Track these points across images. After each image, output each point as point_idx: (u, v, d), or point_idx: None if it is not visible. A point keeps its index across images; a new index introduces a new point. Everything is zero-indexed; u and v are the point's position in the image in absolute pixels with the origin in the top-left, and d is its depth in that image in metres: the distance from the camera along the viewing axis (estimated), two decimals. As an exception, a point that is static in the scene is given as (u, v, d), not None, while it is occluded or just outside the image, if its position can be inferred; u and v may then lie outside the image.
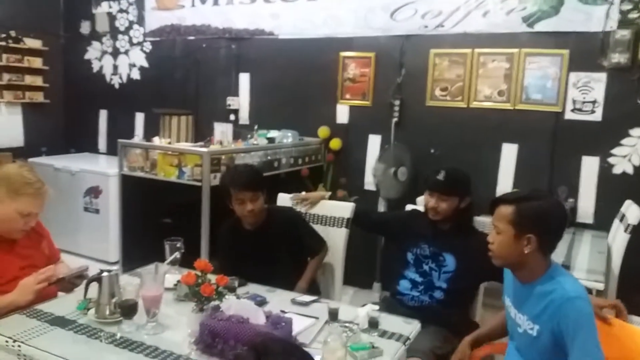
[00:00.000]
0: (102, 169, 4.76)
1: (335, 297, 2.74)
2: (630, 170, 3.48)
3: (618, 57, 3.38)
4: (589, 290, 2.02)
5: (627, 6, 3.38)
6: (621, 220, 3.15)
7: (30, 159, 4.99)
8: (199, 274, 1.80)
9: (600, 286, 2.57)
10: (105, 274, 1.87)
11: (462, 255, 2.38)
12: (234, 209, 2.54)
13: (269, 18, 4.54)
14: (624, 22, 3.38)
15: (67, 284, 2.14)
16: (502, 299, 2.10)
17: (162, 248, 2.37)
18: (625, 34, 3.35)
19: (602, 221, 3.49)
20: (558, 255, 2.64)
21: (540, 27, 3.60)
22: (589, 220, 3.61)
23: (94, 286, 1.92)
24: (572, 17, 3.49)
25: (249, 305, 1.73)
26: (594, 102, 3.52)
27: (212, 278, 1.85)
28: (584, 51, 3.51)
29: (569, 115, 3.60)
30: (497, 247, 1.83)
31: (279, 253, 2.57)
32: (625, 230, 2.89)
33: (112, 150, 5.46)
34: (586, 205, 3.61)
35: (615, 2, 3.39)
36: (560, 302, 1.69)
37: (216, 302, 1.77)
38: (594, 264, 2.86)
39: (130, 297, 1.82)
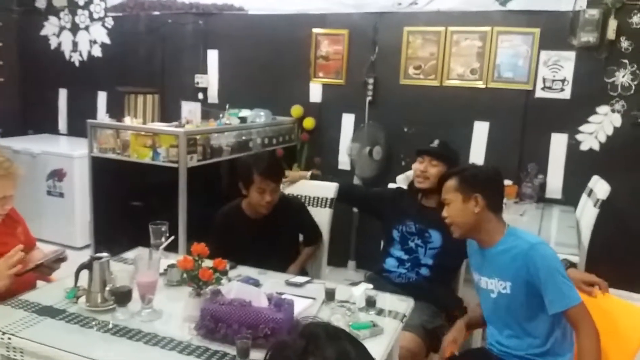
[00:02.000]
0: (65, 151, 4.58)
1: (320, 277, 2.75)
2: (596, 146, 3.61)
3: (587, 36, 3.47)
4: (570, 264, 2.09)
5: (597, -14, 3.47)
6: (589, 195, 3.27)
7: (-16, 141, 4.76)
8: (196, 258, 1.77)
9: (576, 259, 2.66)
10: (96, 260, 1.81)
11: (448, 232, 2.40)
12: (250, 195, 2.48)
13: (237, -7, 4.43)
14: (593, 2, 3.46)
15: (46, 269, 2.06)
16: (471, 278, 2.16)
17: (134, 232, 2.31)
18: (594, 13, 3.44)
19: (570, 196, 3.62)
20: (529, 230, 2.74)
21: (513, 5, 3.65)
22: (557, 195, 3.73)
23: (83, 274, 1.85)
24: (543, -4, 3.56)
25: (250, 288, 1.71)
26: (563, 80, 3.61)
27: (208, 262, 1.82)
28: (554, 30, 3.58)
29: (539, 94, 3.68)
30: (451, 217, 1.99)
31: (279, 241, 2.54)
32: (595, 205, 3.00)
33: (73, 131, 5.26)
34: (555, 181, 3.73)
35: (585, -18, 3.47)
36: (524, 252, 1.83)
37: (214, 287, 1.74)
38: (566, 237, 2.96)
39: (123, 283, 1.77)
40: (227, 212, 2.62)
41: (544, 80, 3.66)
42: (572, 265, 2.12)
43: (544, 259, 1.80)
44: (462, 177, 1.97)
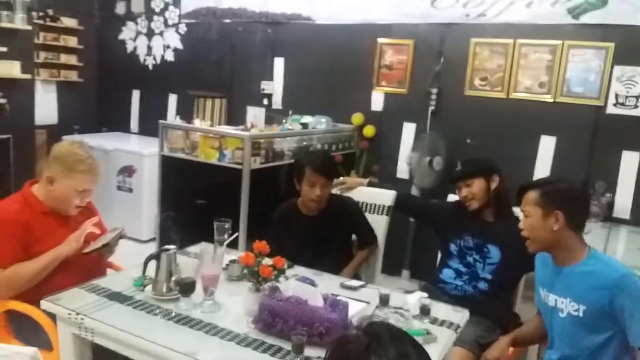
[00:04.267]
0: (136, 149, 4.82)
1: (374, 284, 2.76)
2: (671, 167, 3.44)
3: (666, 52, 3.32)
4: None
5: (678, -1, 3.32)
6: (661, 216, 3.12)
7: (64, 137, 5.07)
8: (257, 254, 1.83)
9: (646, 283, 2.55)
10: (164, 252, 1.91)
11: (507, 247, 2.37)
12: (302, 189, 2.56)
13: (306, 3, 4.52)
14: (673, 16, 3.32)
15: (110, 247, 2.24)
16: (536, 293, 2.10)
17: (197, 228, 2.41)
18: (674, 28, 3.30)
19: (640, 217, 3.47)
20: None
21: (586, 19, 3.54)
22: (626, 215, 3.57)
23: (151, 264, 1.96)
24: (619, 9, 3.43)
25: (307, 287, 1.76)
26: (638, 97, 3.47)
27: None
28: (630, 45, 3.45)
29: (610, 110, 3.55)
30: (528, 230, 1.92)
31: (332, 240, 2.59)
32: (668, 227, 2.87)
33: (144, 131, 5.53)
34: (624, 200, 3.57)
35: (665, -5, 3.34)
36: (613, 281, 1.74)
37: (273, 283, 1.80)
38: (635, 259, 2.81)
39: (187, 275, 1.85)
40: (283, 208, 2.70)
41: (617, 96, 3.52)
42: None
43: (635, 292, 1.72)
44: (544, 191, 1.89)
